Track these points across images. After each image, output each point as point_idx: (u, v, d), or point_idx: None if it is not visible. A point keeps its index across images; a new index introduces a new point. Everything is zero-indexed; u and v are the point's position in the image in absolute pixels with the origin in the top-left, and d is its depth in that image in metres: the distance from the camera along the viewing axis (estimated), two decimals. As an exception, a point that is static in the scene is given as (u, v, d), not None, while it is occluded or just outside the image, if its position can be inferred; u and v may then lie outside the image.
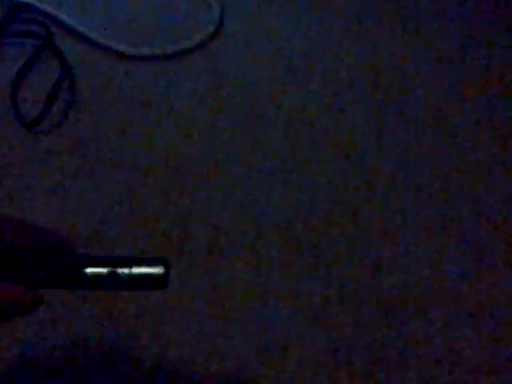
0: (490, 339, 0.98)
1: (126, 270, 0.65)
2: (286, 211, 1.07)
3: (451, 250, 1.06)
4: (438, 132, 1.19)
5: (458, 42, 1.30)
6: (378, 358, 0.96)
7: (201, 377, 0.95)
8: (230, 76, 1.24)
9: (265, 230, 1.06)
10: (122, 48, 1.24)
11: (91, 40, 1.26)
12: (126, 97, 1.20)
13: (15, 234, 0.64)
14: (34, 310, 0.63)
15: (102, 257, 0.67)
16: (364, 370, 0.95)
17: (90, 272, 0.65)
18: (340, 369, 0.95)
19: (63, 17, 1.27)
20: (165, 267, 0.65)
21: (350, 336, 0.97)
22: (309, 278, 1.01)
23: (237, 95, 1.21)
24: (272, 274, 1.01)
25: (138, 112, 1.19)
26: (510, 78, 1.25)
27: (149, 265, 0.65)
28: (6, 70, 1.22)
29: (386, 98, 1.21)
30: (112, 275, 0.64)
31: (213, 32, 1.28)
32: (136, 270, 0.65)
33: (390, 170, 1.14)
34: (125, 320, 0.99)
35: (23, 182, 1.10)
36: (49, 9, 1.28)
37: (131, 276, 0.65)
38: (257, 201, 1.08)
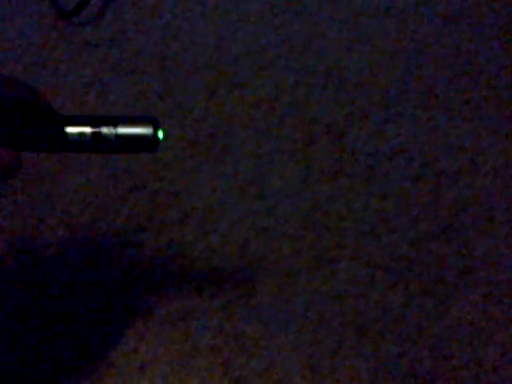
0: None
1: (111, 130, 0.57)
2: (339, 120, 0.98)
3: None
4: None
5: None
6: (437, 277, 0.89)
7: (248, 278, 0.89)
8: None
9: (316, 138, 0.98)
10: None
11: None
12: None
13: None
14: (15, 173, 0.56)
15: (85, 115, 0.59)
16: (421, 290, 0.88)
17: (72, 132, 0.57)
18: (397, 288, 0.88)
19: None
20: (154, 127, 0.58)
21: (407, 253, 0.90)
22: (364, 192, 0.93)
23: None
24: (321, 184, 0.94)
25: (183, 3, 1.09)
26: None
27: (136, 124, 0.57)
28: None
29: None
30: (96, 136, 0.57)
31: None
32: (122, 129, 0.57)
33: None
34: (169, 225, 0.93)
35: (60, 74, 1.02)
36: None
37: (118, 136, 0.57)
38: (309, 108, 0.99)
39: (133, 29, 1.07)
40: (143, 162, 0.96)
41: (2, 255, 0.90)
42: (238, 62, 1.04)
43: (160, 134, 0.59)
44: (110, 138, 0.57)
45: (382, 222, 0.93)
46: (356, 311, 0.88)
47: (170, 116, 1.00)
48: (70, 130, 0.57)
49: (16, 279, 0.89)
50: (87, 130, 0.57)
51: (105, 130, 0.57)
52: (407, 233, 0.92)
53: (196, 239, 0.92)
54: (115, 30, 1.07)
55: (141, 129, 0.58)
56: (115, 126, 0.57)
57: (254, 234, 0.92)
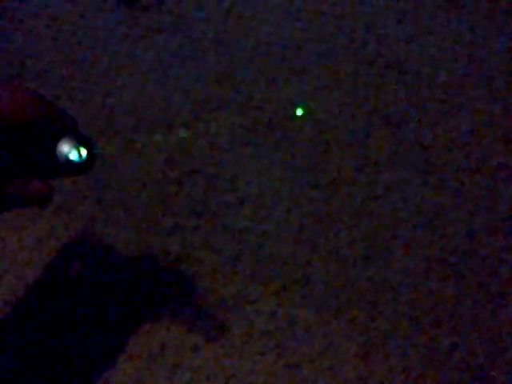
0: None
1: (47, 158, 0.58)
2: (398, 111, 0.98)
3: None
4: None
5: None
6: (492, 271, 0.88)
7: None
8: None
9: (374, 129, 0.97)
10: None
11: None
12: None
13: None
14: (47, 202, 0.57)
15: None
16: (476, 284, 0.87)
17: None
18: (451, 280, 0.88)
19: None
20: (88, 150, 0.57)
21: (462, 246, 0.90)
22: (420, 184, 0.93)
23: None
24: (377, 174, 0.94)
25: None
26: None
27: (69, 147, 0.57)
28: None
29: None
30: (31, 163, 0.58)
31: None
32: (59, 153, 0.57)
33: None
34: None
35: (122, 58, 1.04)
36: None
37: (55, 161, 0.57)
38: (368, 98, 0.99)
39: (194, 15, 1.08)
40: (200, 147, 0.97)
41: (61, 233, 0.92)
42: (298, 50, 1.05)
43: (94, 157, 0.58)
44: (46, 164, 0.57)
45: (438, 214, 0.92)
46: (409, 302, 0.88)
47: (229, 102, 1.00)
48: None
49: (75, 257, 0.91)
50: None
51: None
52: (463, 226, 0.92)
53: (251, 225, 0.93)
54: (177, 15, 1.08)
55: (76, 153, 0.57)
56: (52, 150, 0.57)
57: (309, 222, 0.92)
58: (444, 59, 1.01)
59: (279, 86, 1.00)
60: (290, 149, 0.97)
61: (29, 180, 0.56)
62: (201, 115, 0.99)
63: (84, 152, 0.57)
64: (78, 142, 0.57)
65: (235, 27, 1.05)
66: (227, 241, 0.92)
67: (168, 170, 0.97)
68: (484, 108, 0.98)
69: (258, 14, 1.05)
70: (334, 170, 0.95)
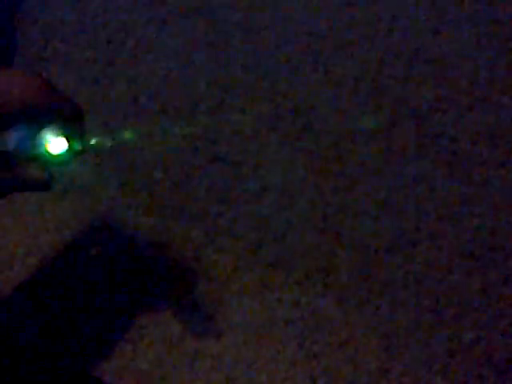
0: None
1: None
2: (424, 103, 0.97)
3: None
4: None
5: None
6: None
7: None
8: None
9: (400, 120, 0.97)
10: None
11: None
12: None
13: None
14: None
15: None
16: (500, 278, 0.87)
17: None
18: (475, 274, 0.88)
19: None
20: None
21: (487, 240, 0.89)
22: (445, 176, 0.93)
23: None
24: (403, 166, 0.93)
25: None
26: None
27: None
28: None
29: None
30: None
31: None
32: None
33: None
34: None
35: (146, 43, 1.03)
36: None
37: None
38: (393, 89, 0.99)
39: (219, 0, 1.07)
40: (224, 134, 0.97)
41: (84, 216, 0.92)
42: (323, 38, 1.04)
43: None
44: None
45: (463, 207, 0.92)
46: (433, 295, 0.88)
47: (253, 89, 1.00)
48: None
49: (96, 241, 0.91)
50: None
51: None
52: (488, 219, 0.91)
53: (274, 213, 0.92)
54: (201, 0, 1.08)
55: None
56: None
57: (333, 211, 0.92)
58: (471, 51, 1.00)
59: (305, 73, 1.00)
60: (314, 137, 0.96)
61: (27, 165, 0.55)
62: (225, 102, 0.98)
63: (62, 145, 0.55)
64: (65, 133, 0.55)
65: (260, 14, 1.04)
66: (250, 228, 0.91)
67: (192, 156, 0.96)
68: (510, 102, 0.97)
69: (283, 0, 1.04)
70: (358, 160, 0.95)
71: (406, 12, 1.04)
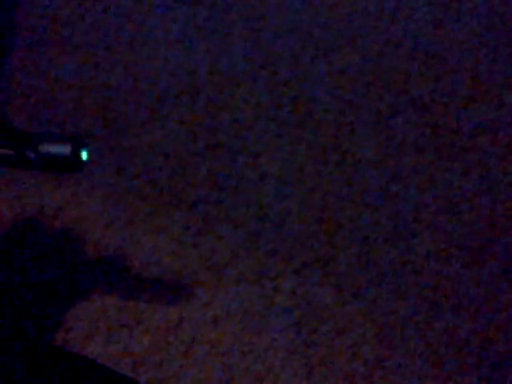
0: None
1: (32, 152, 0.57)
2: (424, 94, 0.97)
3: None
4: None
5: None
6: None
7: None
8: None
9: (400, 111, 0.97)
10: None
11: None
12: None
13: None
14: None
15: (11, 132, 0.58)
16: (498, 271, 0.87)
17: None
18: (473, 266, 0.87)
19: None
20: (73, 147, 0.56)
21: (486, 232, 0.89)
22: (445, 168, 0.92)
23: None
24: (402, 157, 0.93)
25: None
26: None
27: (55, 143, 0.56)
28: None
29: None
30: (20, 156, 0.57)
31: None
32: (42, 148, 0.57)
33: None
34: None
35: (147, 28, 1.02)
36: None
37: (39, 155, 0.57)
38: (394, 80, 0.98)
39: (221, -12, 1.07)
40: (224, 121, 0.96)
41: (82, 201, 0.91)
42: (325, 28, 1.03)
43: (83, 155, 0.57)
44: (33, 158, 0.56)
45: (463, 199, 0.92)
46: (430, 286, 0.87)
47: (254, 77, 0.99)
48: None
49: (94, 226, 0.90)
50: (11, 152, 0.57)
51: (27, 152, 0.56)
52: (487, 212, 0.91)
53: (273, 201, 0.92)
54: (203, -13, 1.07)
55: (60, 148, 0.56)
56: (36, 146, 0.56)
57: (332, 201, 0.92)
58: (472, 45, 1.00)
59: (305, 63, 0.99)
60: (314, 127, 0.96)
61: None
62: (226, 89, 0.98)
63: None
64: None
65: (262, 2, 1.04)
66: (249, 216, 0.91)
67: (191, 142, 0.96)
68: (511, 95, 0.97)
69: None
70: (358, 150, 0.94)
71: (407, 4, 1.03)
